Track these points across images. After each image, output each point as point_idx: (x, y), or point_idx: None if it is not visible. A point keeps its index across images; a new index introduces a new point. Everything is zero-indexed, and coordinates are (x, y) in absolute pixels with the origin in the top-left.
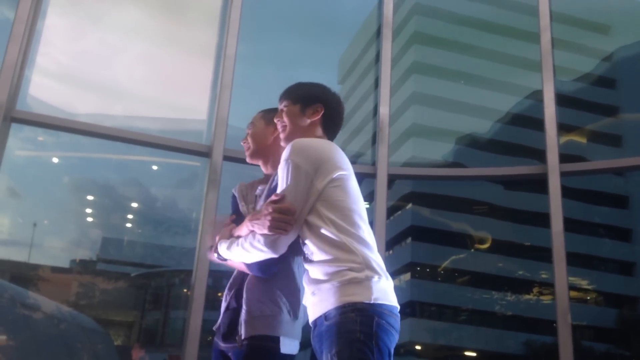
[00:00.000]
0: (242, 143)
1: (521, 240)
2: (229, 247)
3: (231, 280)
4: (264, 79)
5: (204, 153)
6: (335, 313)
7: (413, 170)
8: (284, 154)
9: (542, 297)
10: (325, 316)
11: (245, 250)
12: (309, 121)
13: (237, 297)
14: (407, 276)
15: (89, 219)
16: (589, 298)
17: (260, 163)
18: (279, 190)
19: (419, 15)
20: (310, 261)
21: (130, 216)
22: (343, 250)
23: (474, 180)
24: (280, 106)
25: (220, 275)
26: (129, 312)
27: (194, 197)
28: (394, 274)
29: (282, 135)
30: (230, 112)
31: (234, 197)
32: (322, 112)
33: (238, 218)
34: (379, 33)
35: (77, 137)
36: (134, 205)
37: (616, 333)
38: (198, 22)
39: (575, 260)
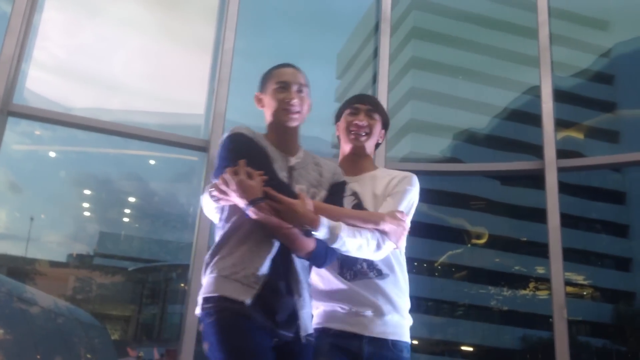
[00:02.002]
0: (292, 102)
1: (518, 235)
2: (351, 234)
3: (273, 263)
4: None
5: (202, 147)
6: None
7: (410, 166)
8: (411, 180)
9: (538, 292)
10: (399, 344)
11: (376, 247)
12: (376, 142)
13: (291, 284)
14: None
15: (86, 214)
16: (585, 293)
17: (293, 130)
18: (401, 207)
19: (417, 11)
20: (382, 275)
21: (127, 211)
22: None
23: (472, 175)
24: (366, 108)
25: None
26: (126, 306)
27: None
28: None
29: (354, 138)
30: (227, 107)
31: (247, 139)
32: (383, 139)
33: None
34: (377, 28)
35: (74, 131)
36: (132, 199)
37: (612, 328)
38: (196, 16)
39: (572, 255)
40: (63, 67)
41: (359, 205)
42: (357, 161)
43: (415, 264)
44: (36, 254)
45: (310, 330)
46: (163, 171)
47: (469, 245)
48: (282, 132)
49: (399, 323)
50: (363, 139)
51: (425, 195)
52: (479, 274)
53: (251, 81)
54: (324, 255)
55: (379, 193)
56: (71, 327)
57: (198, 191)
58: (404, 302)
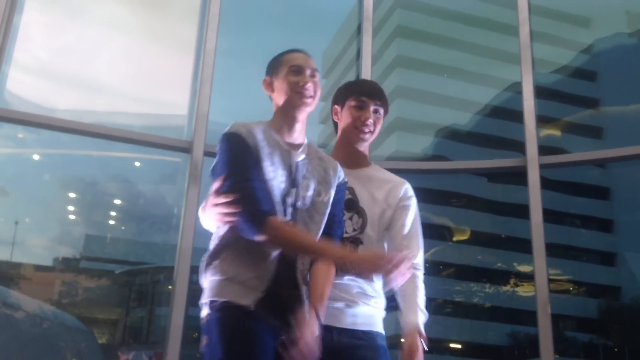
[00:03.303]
0: (307, 85)
1: (503, 232)
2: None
3: (276, 265)
4: (246, 74)
5: (185, 149)
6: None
7: (396, 164)
8: (412, 194)
9: (524, 289)
10: (371, 333)
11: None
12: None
13: (295, 283)
14: None
15: (72, 217)
16: (571, 289)
17: (303, 116)
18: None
19: (402, 9)
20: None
21: (113, 213)
22: None
23: (456, 173)
24: (375, 107)
25: None
26: (113, 309)
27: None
28: None
29: (358, 135)
30: (211, 108)
31: (244, 142)
32: None
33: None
34: (359, 27)
35: (58, 133)
36: (117, 202)
37: (598, 323)
38: (178, 17)
39: (557, 251)
40: (45, 69)
41: (352, 202)
42: (354, 154)
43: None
44: (21, 258)
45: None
46: (148, 173)
47: (453, 242)
48: (292, 119)
49: (370, 314)
50: (367, 136)
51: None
52: (466, 272)
53: (235, 81)
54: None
55: (379, 198)
56: (57, 332)
57: (182, 193)
58: (379, 296)
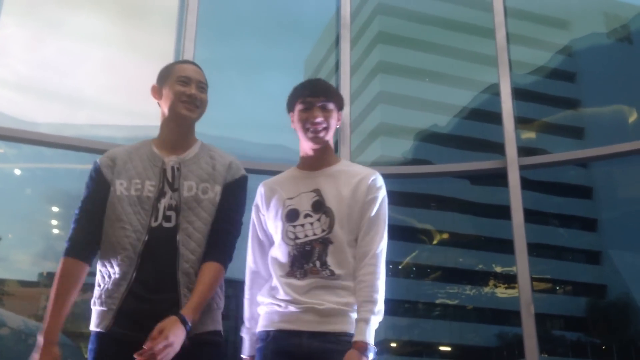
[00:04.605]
0: (192, 95)
1: (488, 233)
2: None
3: (189, 265)
4: (228, 84)
5: None
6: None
7: (378, 170)
8: (382, 187)
9: (511, 289)
10: (342, 336)
11: (374, 304)
12: (335, 128)
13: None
14: None
15: (55, 231)
16: (558, 288)
17: (187, 124)
18: (379, 248)
19: (382, 15)
20: (334, 276)
21: None
22: None
23: (436, 177)
24: (321, 103)
25: None
26: None
27: None
28: None
29: (314, 134)
30: None
31: (95, 173)
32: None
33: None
34: (337, 35)
35: (40, 147)
36: None
37: (586, 321)
38: (158, 27)
39: (543, 251)
40: (25, 83)
41: (319, 203)
42: (318, 156)
43: (391, 266)
44: (4, 274)
45: (209, 329)
46: None
47: (438, 245)
48: (176, 127)
49: (341, 315)
50: (322, 134)
51: (395, 198)
52: (453, 274)
53: (216, 91)
54: None
55: (346, 194)
56: None
57: None
58: (351, 299)
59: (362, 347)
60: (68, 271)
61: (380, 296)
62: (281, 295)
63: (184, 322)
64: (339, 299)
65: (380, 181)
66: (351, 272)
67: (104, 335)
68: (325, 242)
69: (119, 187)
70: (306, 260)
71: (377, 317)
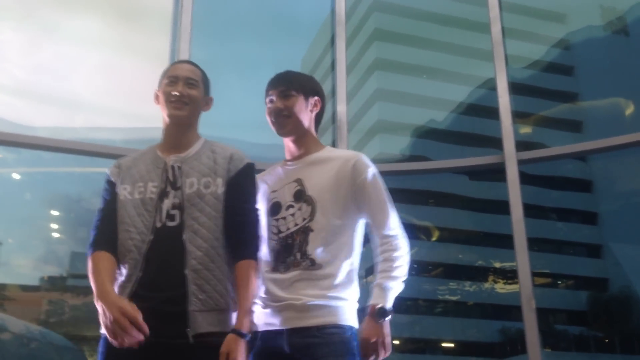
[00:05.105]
0: (177, 93)
1: (487, 229)
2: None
3: (197, 262)
4: (224, 83)
5: None
6: None
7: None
8: (369, 165)
9: (511, 285)
10: (326, 329)
11: (403, 259)
12: (311, 115)
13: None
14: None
15: (55, 235)
16: (560, 282)
17: (181, 122)
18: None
19: (378, 12)
20: (314, 265)
21: None
22: None
23: (434, 173)
24: (280, 91)
25: None
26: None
27: None
28: (366, 272)
29: (280, 122)
30: None
31: (106, 181)
32: (320, 106)
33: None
34: (333, 33)
35: (39, 152)
36: None
37: (588, 315)
38: (153, 29)
39: (543, 245)
40: (22, 88)
41: (300, 192)
42: (297, 146)
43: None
44: (5, 279)
45: (205, 330)
46: None
47: (439, 241)
48: (172, 127)
49: (321, 308)
50: (287, 122)
51: (396, 195)
52: (454, 270)
53: (212, 91)
54: None
55: (328, 180)
56: (45, 352)
57: None
58: (337, 288)
59: (373, 310)
60: (97, 259)
61: (400, 264)
62: (263, 292)
63: (240, 335)
64: (320, 291)
65: (365, 160)
66: (335, 259)
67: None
68: (305, 231)
69: (123, 192)
70: (288, 253)
71: (394, 282)
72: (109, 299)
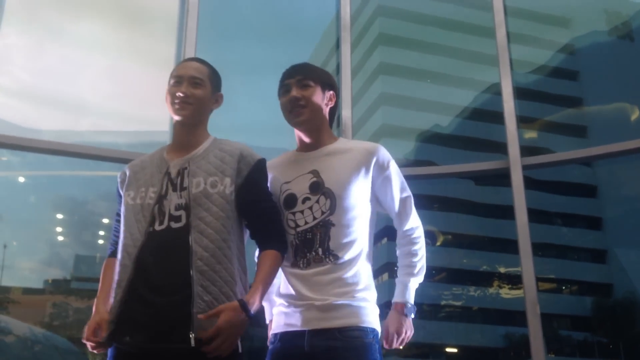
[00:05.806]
0: (177, 94)
1: (492, 234)
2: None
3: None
4: (229, 88)
5: None
6: None
7: None
8: (391, 158)
9: (516, 290)
10: (348, 331)
11: (421, 253)
12: (327, 108)
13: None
14: (385, 276)
15: (60, 238)
16: (564, 288)
17: (185, 122)
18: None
19: (383, 17)
20: (338, 259)
21: (102, 232)
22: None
23: (439, 178)
24: (298, 80)
25: None
26: None
27: None
28: (373, 275)
29: (296, 112)
30: None
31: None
32: (334, 101)
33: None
34: (338, 37)
35: (44, 155)
36: (105, 221)
37: (592, 320)
38: (159, 33)
39: (548, 251)
40: (28, 91)
41: (317, 184)
42: (311, 137)
43: (396, 268)
44: (10, 282)
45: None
46: None
47: (442, 246)
48: (179, 127)
49: (344, 309)
50: (304, 111)
51: None
52: (459, 275)
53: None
54: None
55: (346, 172)
56: (49, 355)
57: None
58: (361, 287)
59: (400, 308)
60: (105, 266)
61: (419, 259)
62: (285, 289)
63: (244, 307)
64: (346, 289)
65: (385, 153)
66: (358, 256)
67: (110, 344)
68: (326, 225)
69: (126, 198)
70: (308, 248)
71: (416, 278)
72: (95, 309)
